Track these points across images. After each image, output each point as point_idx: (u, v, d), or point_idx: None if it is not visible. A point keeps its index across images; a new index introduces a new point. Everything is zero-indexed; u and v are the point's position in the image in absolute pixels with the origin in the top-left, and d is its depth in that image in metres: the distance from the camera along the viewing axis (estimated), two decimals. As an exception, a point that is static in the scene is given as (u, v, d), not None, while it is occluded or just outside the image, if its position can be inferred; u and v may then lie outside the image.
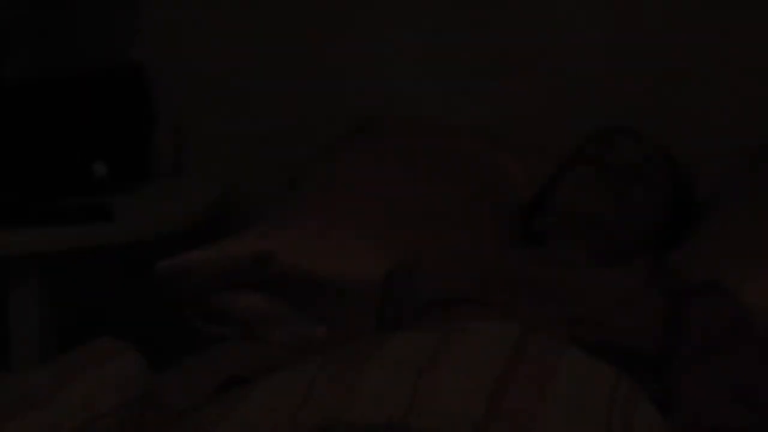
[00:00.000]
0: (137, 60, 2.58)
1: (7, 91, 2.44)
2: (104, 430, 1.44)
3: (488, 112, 2.41)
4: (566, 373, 1.33)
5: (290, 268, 2.01)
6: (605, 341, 1.56)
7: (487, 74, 2.41)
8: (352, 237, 2.05)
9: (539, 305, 1.64)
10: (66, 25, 2.65)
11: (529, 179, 2.17)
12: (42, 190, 2.41)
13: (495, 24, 2.40)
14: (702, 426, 1.50)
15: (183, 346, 1.96)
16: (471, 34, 2.41)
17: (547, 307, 1.63)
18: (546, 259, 1.78)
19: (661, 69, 2.31)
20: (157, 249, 2.18)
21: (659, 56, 2.31)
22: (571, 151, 1.97)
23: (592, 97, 2.35)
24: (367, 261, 1.98)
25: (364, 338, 1.51)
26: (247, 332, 2.02)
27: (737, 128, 2.27)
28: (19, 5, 2.63)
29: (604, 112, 2.28)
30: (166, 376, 1.78)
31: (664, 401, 1.51)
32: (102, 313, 2.67)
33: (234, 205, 2.53)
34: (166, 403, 1.56)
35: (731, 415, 1.52)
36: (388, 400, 1.26)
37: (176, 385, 1.71)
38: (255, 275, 2.03)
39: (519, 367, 1.32)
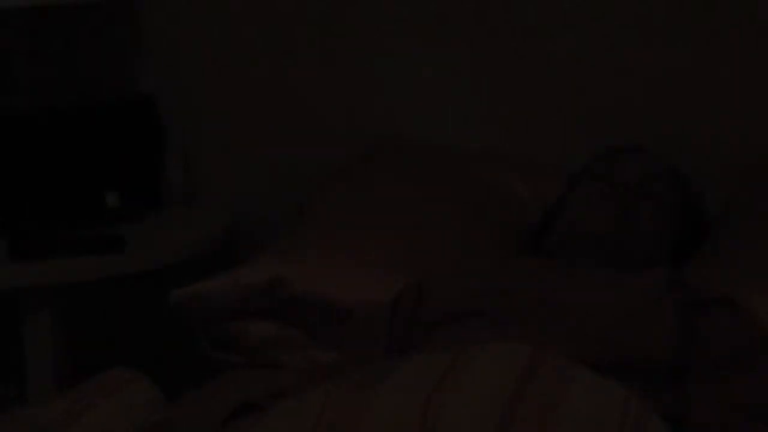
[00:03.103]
0: (147, 91, 2.59)
1: (18, 121, 2.45)
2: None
3: (495, 132, 2.41)
4: (576, 395, 1.32)
5: (301, 293, 2.01)
6: (617, 356, 1.56)
7: (494, 94, 2.42)
8: (362, 261, 2.05)
9: (549, 322, 1.63)
10: (74, 57, 2.66)
11: (537, 199, 2.17)
12: (54, 221, 2.42)
13: (500, 44, 2.40)
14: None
15: (195, 374, 1.96)
16: (477, 54, 2.42)
17: (557, 323, 1.63)
18: (556, 275, 1.77)
19: (670, 86, 2.31)
20: (168, 277, 2.18)
21: (667, 74, 2.31)
22: (579, 169, 1.97)
23: (599, 116, 2.35)
24: (378, 285, 1.97)
25: (374, 363, 1.51)
26: (259, 358, 2.02)
27: (746, 143, 2.27)
28: (25, 37, 2.64)
29: (612, 131, 2.28)
30: (178, 404, 1.78)
31: (676, 416, 1.51)
32: (115, 343, 2.67)
33: (244, 233, 2.54)
34: (178, 430, 1.56)
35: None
36: (398, 425, 1.26)
37: (189, 413, 1.71)
38: (266, 301, 2.03)
39: (529, 390, 1.31)
